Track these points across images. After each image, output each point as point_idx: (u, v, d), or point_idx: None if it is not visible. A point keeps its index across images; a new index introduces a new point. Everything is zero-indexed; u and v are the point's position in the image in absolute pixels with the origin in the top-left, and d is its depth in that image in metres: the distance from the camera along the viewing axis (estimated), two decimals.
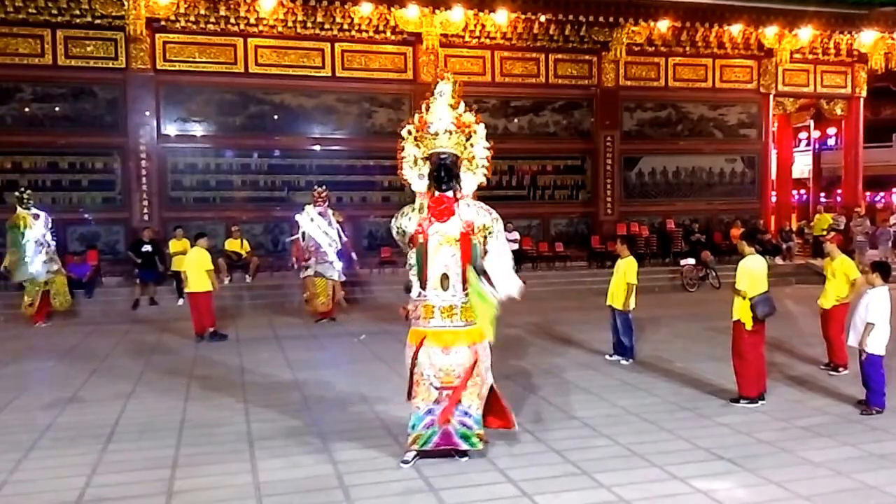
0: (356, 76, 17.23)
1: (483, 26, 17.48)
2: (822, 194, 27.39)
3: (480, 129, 5.29)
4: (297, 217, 12.48)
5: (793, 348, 9.31)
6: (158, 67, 15.86)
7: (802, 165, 27.41)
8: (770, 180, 21.19)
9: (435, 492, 4.82)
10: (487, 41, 17.85)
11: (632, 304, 8.85)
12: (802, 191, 28.16)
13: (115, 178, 15.96)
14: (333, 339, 10.82)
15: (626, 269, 8.88)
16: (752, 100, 20.21)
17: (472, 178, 5.37)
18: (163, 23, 15.67)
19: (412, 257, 5.36)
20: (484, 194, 19.38)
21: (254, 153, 16.83)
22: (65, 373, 8.74)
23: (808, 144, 27.38)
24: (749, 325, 6.69)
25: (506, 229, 17.73)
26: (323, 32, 16.70)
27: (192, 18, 15.79)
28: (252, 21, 16.13)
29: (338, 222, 12.66)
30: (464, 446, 5.24)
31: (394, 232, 5.50)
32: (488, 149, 5.26)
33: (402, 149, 5.43)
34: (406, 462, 5.23)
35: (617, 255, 9.48)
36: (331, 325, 12.08)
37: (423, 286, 5.25)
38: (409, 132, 5.36)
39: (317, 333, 11.36)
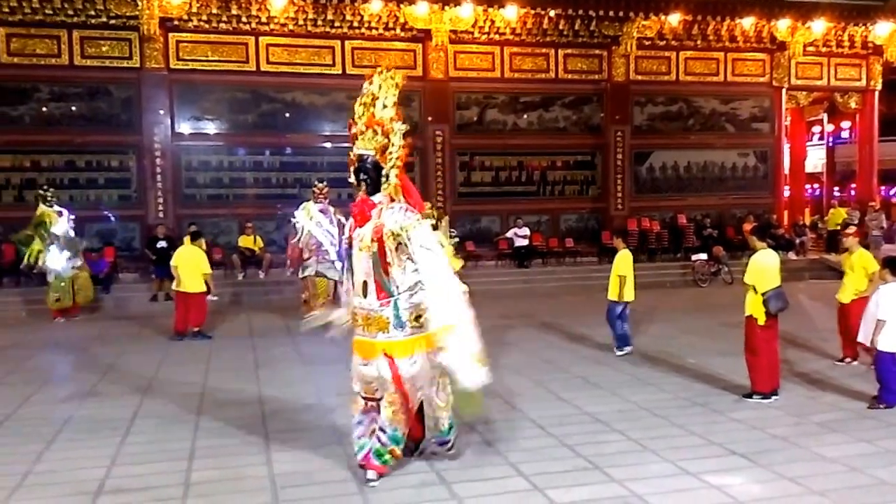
0: (366, 73, 17.21)
1: (492, 22, 17.50)
2: (836, 189, 27.22)
3: (398, 127, 4.84)
4: (296, 213, 11.66)
5: (806, 343, 9.31)
6: (172, 66, 16.02)
7: (816, 159, 27.25)
8: (783, 174, 21.10)
9: (447, 485, 4.88)
10: (497, 37, 17.87)
11: (627, 296, 8.97)
12: (816, 185, 27.98)
13: (130, 176, 16.16)
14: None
15: (617, 261, 9.12)
16: (764, 93, 20.10)
17: (388, 179, 4.90)
18: (176, 22, 15.81)
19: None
20: (494, 190, 19.74)
21: (266, 151, 16.98)
22: (83, 366, 8.90)
23: (821, 138, 27.21)
24: (762, 321, 6.70)
25: (515, 225, 18.00)
26: (333, 30, 16.79)
27: (204, 18, 15.93)
28: (263, 20, 16.24)
29: (340, 220, 11.83)
30: (375, 463, 4.89)
31: None
32: (402, 147, 4.84)
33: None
34: (371, 481, 4.89)
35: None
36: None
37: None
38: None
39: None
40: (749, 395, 6.85)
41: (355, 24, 16.82)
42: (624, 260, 9.10)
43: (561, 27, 17.95)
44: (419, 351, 4.77)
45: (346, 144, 16.83)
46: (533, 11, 17.20)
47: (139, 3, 15.18)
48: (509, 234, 17.87)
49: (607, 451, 5.47)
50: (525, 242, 17.60)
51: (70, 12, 15.37)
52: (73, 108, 15.94)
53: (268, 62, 16.63)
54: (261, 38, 16.51)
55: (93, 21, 15.59)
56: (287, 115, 17.02)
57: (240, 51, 16.43)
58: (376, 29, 17.03)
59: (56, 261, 12.37)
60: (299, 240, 11.35)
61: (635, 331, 9.70)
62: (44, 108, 15.83)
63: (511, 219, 18.08)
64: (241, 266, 15.15)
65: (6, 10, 15.01)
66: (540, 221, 18.52)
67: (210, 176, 16.67)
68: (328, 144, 17.29)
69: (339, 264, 11.32)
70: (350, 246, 4.93)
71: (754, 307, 6.74)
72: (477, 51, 17.99)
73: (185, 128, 16.44)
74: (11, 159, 15.74)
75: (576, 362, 8.63)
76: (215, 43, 16.31)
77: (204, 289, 10.65)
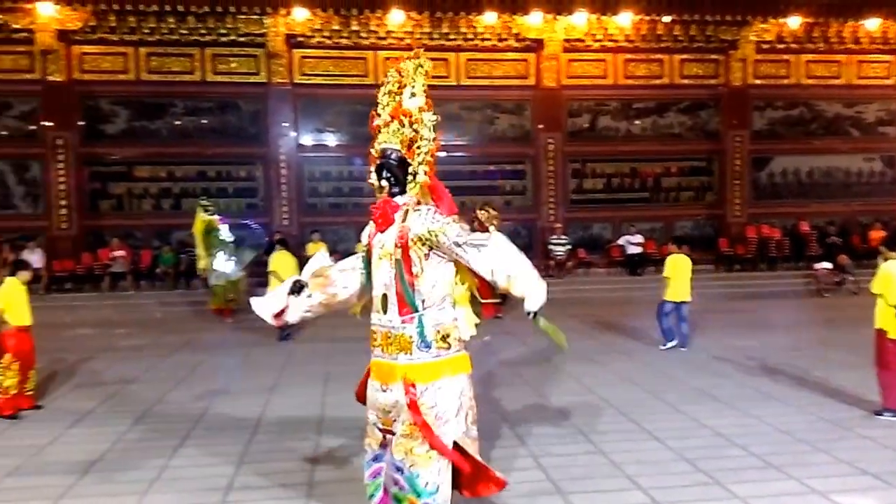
0: (479, 84, 17.63)
1: (605, 29, 17.43)
2: None
3: (427, 117, 4.06)
4: None
5: None
6: (296, 81, 16.92)
7: None
8: None
9: (563, 495, 4.90)
10: (610, 44, 17.76)
11: (668, 295, 9.87)
12: None
13: (257, 186, 17.18)
14: None
15: (666, 263, 10.15)
16: (891, 96, 19.05)
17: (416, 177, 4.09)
18: (300, 39, 16.70)
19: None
20: (606, 197, 19.53)
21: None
22: (216, 365, 9.53)
23: None
24: (893, 334, 6.39)
25: (628, 232, 17.73)
26: (448, 42, 17.23)
27: (326, 34, 16.74)
28: (381, 34, 16.87)
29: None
30: None
31: None
32: (433, 140, 4.04)
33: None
34: None
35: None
36: None
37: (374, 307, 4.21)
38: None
39: None
40: (880, 412, 6.54)
41: (469, 35, 17.20)
42: (671, 263, 10.00)
43: (675, 33, 17.64)
44: (446, 376, 3.97)
45: (457, 153, 17.46)
46: (647, 18, 17.01)
47: (266, 22, 16.16)
48: (621, 241, 17.65)
49: (729, 467, 5.37)
50: (638, 250, 17.34)
51: (203, 31, 16.52)
52: (205, 122, 17.11)
53: (385, 75, 17.11)
54: (379, 52, 17.16)
55: (223, 39, 16.70)
56: None
57: (359, 65, 17.14)
58: (489, 40, 17.33)
59: (224, 265, 13.21)
60: None
61: (756, 341, 9.42)
62: (178, 122, 17.08)
63: (623, 226, 17.86)
64: None
65: (146, 30, 16.33)
66: (653, 228, 18.19)
67: (331, 185, 17.49)
68: (442, 154, 17.60)
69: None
70: (369, 254, 4.16)
71: (885, 319, 6.43)
72: (589, 58, 17.95)
73: (307, 139, 17.30)
74: (150, 170, 17.08)
75: (692, 373, 8.47)
76: (336, 58, 17.10)
77: None
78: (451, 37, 17.15)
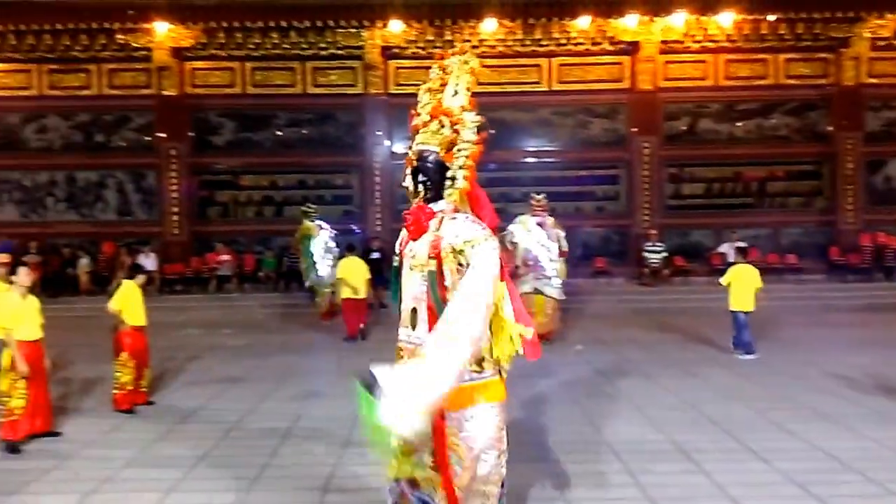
0: (572, 88, 17.45)
1: (705, 30, 16.88)
2: None
3: (470, 117, 3.66)
4: (510, 227, 11.14)
5: None
6: (391, 91, 17.27)
7: None
8: None
9: None
10: (710, 44, 17.21)
11: (730, 305, 10.07)
12: None
13: (352, 193, 17.65)
14: (555, 356, 10.90)
15: (727, 272, 10.42)
16: None
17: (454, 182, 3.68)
18: (395, 50, 17.04)
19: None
20: (706, 203, 18.92)
21: None
22: (312, 367, 9.81)
23: None
24: None
25: (730, 239, 17.06)
26: (540, 48, 17.17)
27: (420, 45, 17.00)
28: (474, 43, 16.93)
29: (558, 233, 11.34)
30: None
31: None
32: (475, 143, 3.63)
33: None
34: None
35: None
36: (546, 348, 11.22)
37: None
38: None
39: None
40: None
41: (562, 41, 17.06)
42: (733, 272, 10.21)
43: (781, 31, 16.88)
44: (480, 403, 3.55)
45: (549, 159, 17.26)
46: (750, 17, 16.37)
47: (364, 35, 16.60)
48: (723, 248, 16.99)
49: (844, 493, 5.06)
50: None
51: (304, 46, 17.10)
52: (305, 133, 17.71)
53: (477, 83, 17.23)
54: None
55: (323, 53, 17.25)
56: (493, 132, 17.50)
57: None
58: (583, 44, 17.13)
59: (325, 269, 13.66)
60: (515, 254, 11.00)
61: (872, 357, 8.87)
62: (280, 133, 17.76)
63: (725, 233, 17.19)
64: None
65: (252, 46, 17.08)
66: (758, 236, 17.42)
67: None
68: (532, 159, 17.65)
69: (557, 280, 10.96)
70: (400, 264, 3.77)
71: None
72: (688, 59, 17.44)
73: (400, 148, 17.58)
74: (253, 179, 17.83)
75: (801, 390, 8.03)
76: (430, 68, 17.18)
77: (364, 295, 11.80)
78: (544, 42, 17.05)
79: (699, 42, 17.16)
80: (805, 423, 6.72)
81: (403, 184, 3.75)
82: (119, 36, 16.83)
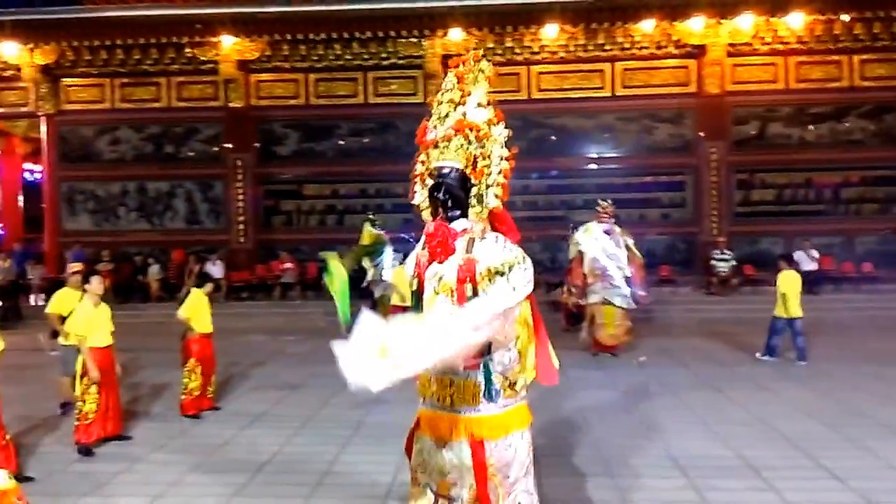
0: (636, 93, 17.17)
1: (775, 31, 16.38)
2: None
3: (498, 131, 3.45)
4: (576, 236, 11.00)
5: None
6: None
7: None
8: None
9: None
10: (780, 46, 16.68)
11: (776, 311, 10.23)
12: None
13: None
14: (618, 367, 10.71)
15: (779, 280, 10.34)
16: None
17: (481, 200, 3.47)
18: (455, 58, 17.00)
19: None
20: (776, 210, 18.30)
21: (533, 174, 17.54)
22: None
23: None
24: None
25: (802, 247, 16.42)
26: (603, 53, 16.96)
27: (481, 52, 16.91)
28: (535, 49, 16.90)
29: (627, 241, 10.93)
30: None
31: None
32: (507, 159, 3.44)
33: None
34: None
35: None
36: (610, 360, 10.54)
37: None
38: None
39: (601, 365, 10.41)
40: None
41: (626, 45, 16.83)
42: (784, 279, 10.22)
43: (856, 32, 16.22)
44: (516, 430, 3.40)
45: (612, 165, 17.02)
46: (822, 17, 15.79)
47: (424, 44, 16.71)
48: (796, 256, 16.36)
49: None
50: (814, 266, 16.01)
51: (366, 56, 17.32)
52: (366, 142, 17.90)
53: (539, 90, 17.28)
54: (532, 67, 17.22)
55: (384, 63, 17.42)
56: (555, 139, 17.46)
57: (512, 81, 17.22)
58: (647, 48, 16.85)
59: (388, 276, 13.80)
60: (581, 263, 10.80)
61: None
62: (341, 143, 18.02)
63: (796, 240, 16.58)
64: None
65: (315, 58, 17.41)
66: (831, 244, 16.74)
67: None
68: (595, 166, 17.43)
69: (626, 290, 10.64)
70: (420, 288, 3.52)
71: None
72: (757, 62, 16.94)
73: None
74: (316, 188, 18.13)
75: (879, 406, 7.64)
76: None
77: None
78: (607, 47, 16.83)
79: (768, 44, 16.65)
80: (882, 441, 6.41)
81: (413, 201, 3.58)
82: (187, 50, 17.39)
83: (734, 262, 16.17)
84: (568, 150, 17.43)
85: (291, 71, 17.74)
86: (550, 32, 16.36)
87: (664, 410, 7.63)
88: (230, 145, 17.83)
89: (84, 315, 6.63)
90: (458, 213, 3.40)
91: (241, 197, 17.81)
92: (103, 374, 6.54)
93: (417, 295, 3.50)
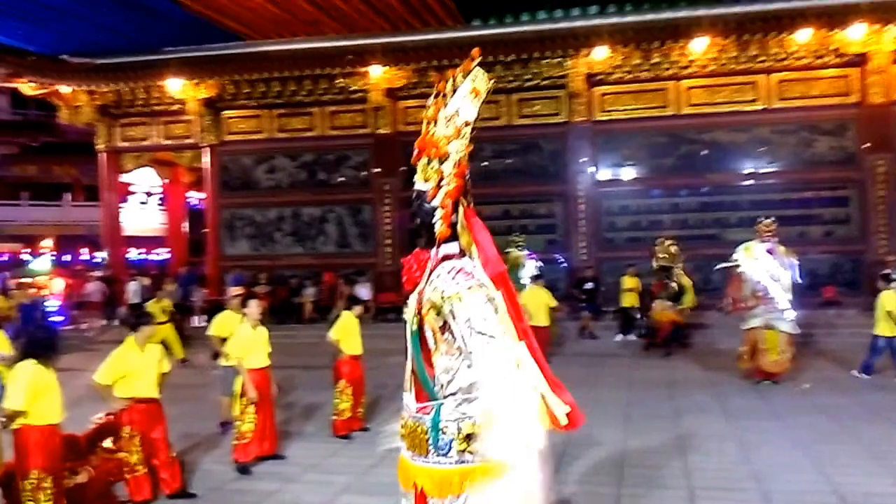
0: (793, 105, 16.17)
1: None
2: None
3: (454, 147, 3.16)
4: (735, 256, 10.40)
5: None
6: (595, 118, 17.09)
7: None
8: None
9: None
10: None
11: (876, 330, 10.06)
12: None
13: (556, 222, 17.61)
14: (780, 396, 10.00)
15: (883, 299, 10.06)
16: None
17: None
18: (599, 77, 16.85)
19: None
20: None
21: (682, 192, 16.91)
22: None
23: None
24: None
25: None
26: (756, 65, 16.19)
27: (626, 69, 16.69)
28: (683, 64, 16.34)
29: (791, 262, 10.30)
30: None
31: None
32: (454, 176, 3.18)
33: None
34: None
35: None
36: (772, 388, 9.93)
37: None
38: None
39: (762, 394, 9.75)
40: None
41: (781, 56, 15.95)
42: (888, 298, 9.98)
43: None
44: (470, 490, 2.97)
45: (768, 181, 16.10)
46: None
47: (567, 64, 16.61)
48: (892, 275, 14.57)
49: None
50: None
51: (510, 78, 17.40)
52: (509, 163, 17.97)
53: (689, 105, 16.69)
54: (681, 82, 16.72)
55: (528, 84, 17.46)
56: (706, 154, 16.73)
57: (660, 97, 16.78)
58: (804, 58, 15.87)
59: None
60: (742, 283, 10.27)
61: None
62: (485, 164, 18.13)
63: None
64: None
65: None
66: None
67: (628, 219, 17.28)
68: (749, 182, 16.51)
69: (790, 313, 10.05)
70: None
71: None
72: None
73: (605, 175, 17.31)
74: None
75: None
76: (636, 92, 16.96)
77: (546, 323, 11.56)
78: (761, 59, 16.00)
79: None
80: None
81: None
82: (339, 80, 18.27)
83: None
84: (720, 165, 16.64)
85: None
86: (699, 46, 15.76)
87: (831, 443, 7.10)
88: (378, 170, 18.49)
89: (243, 337, 7.04)
90: (430, 239, 3.23)
91: (387, 220, 18.40)
92: (260, 394, 6.86)
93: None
